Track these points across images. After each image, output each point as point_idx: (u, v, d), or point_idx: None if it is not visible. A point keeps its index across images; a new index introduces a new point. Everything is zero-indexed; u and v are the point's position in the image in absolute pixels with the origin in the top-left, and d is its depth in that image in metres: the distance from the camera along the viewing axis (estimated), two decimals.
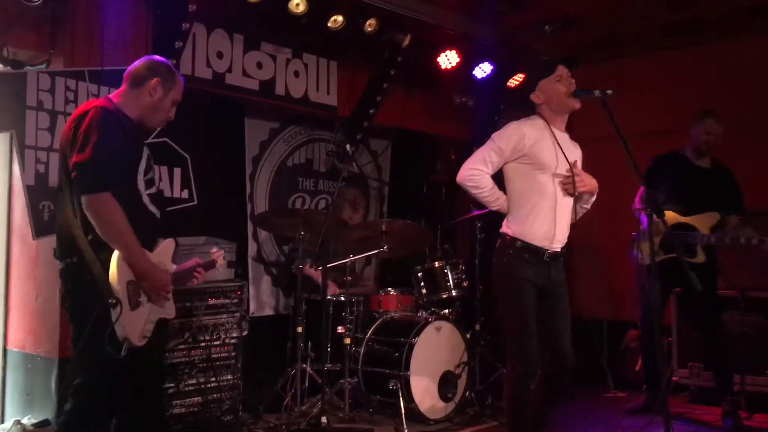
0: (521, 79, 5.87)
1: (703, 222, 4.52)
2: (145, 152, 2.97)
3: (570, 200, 3.38)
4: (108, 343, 2.63)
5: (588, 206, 3.48)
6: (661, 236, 4.53)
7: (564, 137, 3.39)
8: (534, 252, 3.28)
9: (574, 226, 3.43)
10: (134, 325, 2.75)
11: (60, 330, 3.95)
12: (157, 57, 3.05)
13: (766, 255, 4.34)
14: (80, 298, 2.77)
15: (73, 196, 2.75)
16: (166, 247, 3.00)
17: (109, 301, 2.63)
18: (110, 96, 2.96)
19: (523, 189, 3.32)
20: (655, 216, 3.29)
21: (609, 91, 3.20)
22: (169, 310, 2.96)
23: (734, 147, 4.95)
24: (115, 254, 2.70)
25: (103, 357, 2.65)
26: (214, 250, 3.35)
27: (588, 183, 3.34)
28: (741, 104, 5.46)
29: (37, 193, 3.92)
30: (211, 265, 3.26)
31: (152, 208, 2.96)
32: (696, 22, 5.47)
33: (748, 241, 4.37)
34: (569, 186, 3.29)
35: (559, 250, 3.33)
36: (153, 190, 2.99)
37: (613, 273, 5.33)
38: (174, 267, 3.07)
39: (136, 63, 2.98)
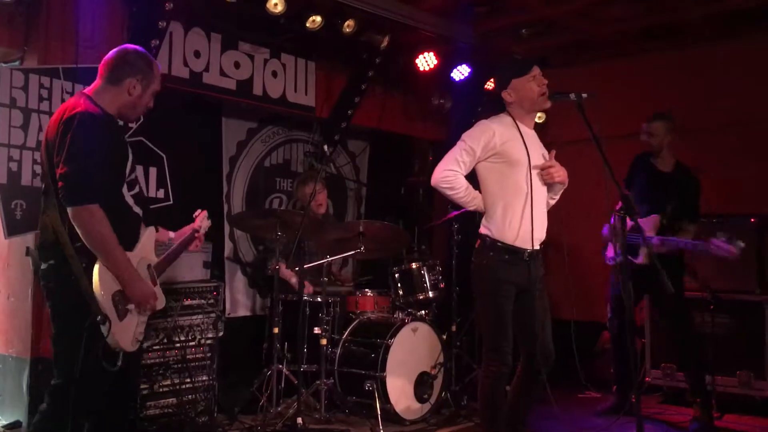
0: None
1: (647, 224, 4.52)
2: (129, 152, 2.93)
3: (544, 196, 3.41)
4: (102, 358, 2.62)
5: (556, 197, 3.51)
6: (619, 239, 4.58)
7: (531, 134, 3.43)
8: (514, 252, 3.31)
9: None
10: (125, 333, 2.73)
11: (32, 330, 3.89)
12: (131, 47, 2.95)
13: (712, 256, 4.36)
14: (62, 299, 2.74)
15: (60, 202, 2.70)
16: (147, 239, 2.98)
17: (97, 318, 2.61)
18: (87, 92, 2.86)
19: (497, 188, 3.35)
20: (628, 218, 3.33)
21: (584, 94, 3.24)
22: (159, 303, 2.93)
23: (709, 151, 5.00)
24: (97, 267, 2.66)
25: (91, 366, 2.63)
26: (196, 213, 3.38)
27: (562, 174, 3.38)
28: (717, 108, 5.53)
29: (9, 191, 3.86)
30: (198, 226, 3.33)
31: (136, 209, 2.94)
32: (673, 27, 5.55)
33: (694, 246, 4.36)
34: (547, 176, 3.32)
35: (538, 247, 3.36)
36: (136, 190, 2.96)
37: (583, 273, 5.36)
38: (156, 259, 3.05)
39: (111, 54, 2.90)
